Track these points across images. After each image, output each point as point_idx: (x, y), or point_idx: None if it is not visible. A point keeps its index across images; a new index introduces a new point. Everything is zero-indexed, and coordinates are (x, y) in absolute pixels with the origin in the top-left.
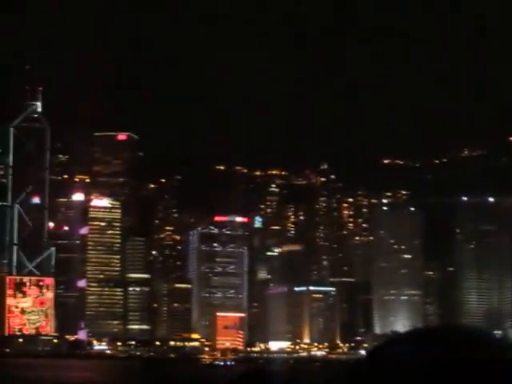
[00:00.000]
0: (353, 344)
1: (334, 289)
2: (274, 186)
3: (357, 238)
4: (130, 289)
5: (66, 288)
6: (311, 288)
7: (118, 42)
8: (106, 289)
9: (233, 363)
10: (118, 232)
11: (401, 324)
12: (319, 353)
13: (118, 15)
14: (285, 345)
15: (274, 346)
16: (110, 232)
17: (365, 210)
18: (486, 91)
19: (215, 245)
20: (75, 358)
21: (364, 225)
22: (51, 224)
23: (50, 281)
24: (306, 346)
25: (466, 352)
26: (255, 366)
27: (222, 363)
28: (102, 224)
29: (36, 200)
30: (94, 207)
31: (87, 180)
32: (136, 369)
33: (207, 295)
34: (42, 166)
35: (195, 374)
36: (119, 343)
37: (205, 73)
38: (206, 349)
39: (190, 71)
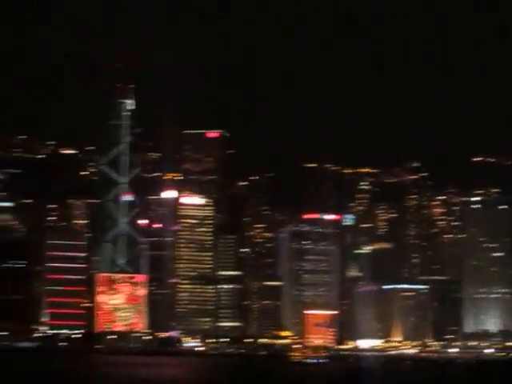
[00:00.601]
0: (444, 342)
1: (425, 287)
2: (364, 183)
3: (447, 235)
4: (221, 286)
5: (158, 285)
6: (402, 286)
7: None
8: (198, 286)
9: (324, 361)
10: (210, 229)
11: (492, 322)
12: (410, 351)
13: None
14: (375, 343)
15: (364, 343)
16: (201, 229)
17: (456, 207)
18: None
19: (306, 242)
20: (166, 355)
21: (455, 223)
22: (143, 221)
23: (142, 278)
24: (396, 344)
25: None
26: (355, 365)
27: (312, 361)
28: (194, 221)
29: (128, 198)
30: (186, 205)
31: (178, 178)
32: (226, 366)
33: (297, 293)
34: (134, 163)
35: (286, 372)
36: (210, 340)
37: (295, 69)
38: (297, 346)
39: (282, 68)
